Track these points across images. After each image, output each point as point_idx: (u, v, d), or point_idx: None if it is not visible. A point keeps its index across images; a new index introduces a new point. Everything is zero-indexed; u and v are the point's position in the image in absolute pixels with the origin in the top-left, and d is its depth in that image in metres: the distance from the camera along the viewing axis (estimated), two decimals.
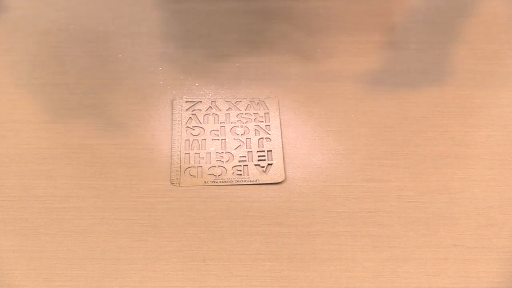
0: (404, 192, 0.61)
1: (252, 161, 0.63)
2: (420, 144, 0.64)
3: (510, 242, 0.58)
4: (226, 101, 0.67)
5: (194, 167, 0.62)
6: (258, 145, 0.64)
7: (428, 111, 0.67)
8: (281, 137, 0.64)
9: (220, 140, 0.64)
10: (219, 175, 0.62)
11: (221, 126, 0.65)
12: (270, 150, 0.63)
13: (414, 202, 0.60)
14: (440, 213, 0.59)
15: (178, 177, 0.61)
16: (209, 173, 0.62)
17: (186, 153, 0.63)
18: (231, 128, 0.65)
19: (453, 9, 0.76)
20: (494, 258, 0.57)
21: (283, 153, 0.63)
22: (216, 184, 0.61)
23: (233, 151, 0.63)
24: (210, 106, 0.67)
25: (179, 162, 0.62)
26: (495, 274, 0.56)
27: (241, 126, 0.65)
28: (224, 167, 0.62)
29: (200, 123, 0.66)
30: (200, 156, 0.63)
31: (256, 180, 0.61)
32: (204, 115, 0.66)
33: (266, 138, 0.64)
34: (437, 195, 0.60)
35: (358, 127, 0.65)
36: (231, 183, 0.61)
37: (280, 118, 0.66)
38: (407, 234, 0.58)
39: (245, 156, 0.63)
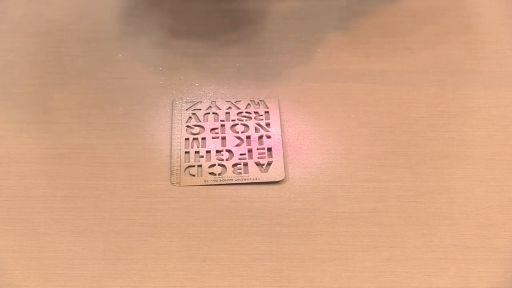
0: (404, 192, 0.61)
1: (252, 159, 0.63)
2: (420, 144, 0.64)
3: (510, 242, 0.58)
4: (226, 101, 0.67)
5: (194, 166, 0.62)
6: (258, 142, 0.64)
7: (428, 111, 0.67)
8: (281, 136, 0.64)
9: (220, 138, 0.64)
10: (219, 174, 0.62)
11: (221, 125, 0.65)
12: (270, 148, 0.63)
13: (414, 202, 0.60)
14: (440, 213, 0.59)
15: (178, 176, 0.61)
16: (209, 172, 0.62)
17: (186, 152, 0.63)
18: (231, 126, 0.65)
19: (453, 9, 0.76)
20: (494, 258, 0.57)
21: (283, 152, 0.63)
22: (216, 183, 0.61)
23: (233, 149, 0.63)
24: (210, 106, 0.67)
25: (179, 161, 0.63)
26: (495, 274, 0.56)
27: (241, 124, 0.65)
28: (224, 166, 0.62)
29: (200, 122, 0.66)
30: (200, 155, 0.63)
31: (256, 179, 0.61)
32: (204, 114, 0.66)
33: (266, 135, 0.64)
34: (437, 195, 0.60)
35: (358, 127, 0.65)
36: (231, 182, 0.61)
37: (280, 117, 0.66)
38: (407, 234, 0.58)
39: (245, 154, 0.63)
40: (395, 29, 0.74)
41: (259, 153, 0.63)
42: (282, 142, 0.64)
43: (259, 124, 0.65)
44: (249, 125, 0.65)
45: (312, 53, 0.72)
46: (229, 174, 0.62)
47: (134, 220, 0.59)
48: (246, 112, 0.66)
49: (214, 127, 0.65)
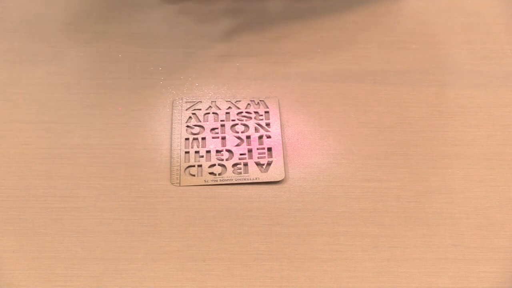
0: (404, 192, 0.61)
1: (252, 159, 0.63)
2: (420, 144, 0.64)
3: (510, 242, 0.58)
4: (226, 101, 0.68)
5: (194, 166, 0.62)
6: (258, 142, 0.64)
7: (428, 111, 0.67)
8: (281, 136, 0.64)
9: (220, 138, 0.64)
10: (219, 174, 0.62)
11: (221, 125, 0.65)
12: (270, 148, 0.63)
13: (414, 202, 0.60)
14: (440, 213, 0.59)
15: (178, 176, 0.62)
16: (209, 171, 0.62)
17: (186, 152, 0.63)
18: (231, 126, 0.65)
19: (453, 9, 0.76)
20: (494, 258, 0.57)
21: (283, 152, 0.63)
22: (216, 183, 0.61)
23: (233, 149, 0.63)
24: (210, 106, 0.67)
25: (179, 161, 0.63)
26: (495, 274, 0.56)
27: (241, 124, 0.65)
28: (224, 166, 0.62)
29: (200, 122, 0.66)
30: (200, 155, 0.63)
31: (256, 179, 0.61)
32: (204, 114, 0.66)
33: (266, 135, 0.64)
34: (437, 195, 0.60)
35: (358, 127, 0.65)
36: (231, 182, 0.61)
37: (280, 117, 0.66)
38: (407, 234, 0.58)
39: (245, 154, 0.63)
40: (395, 29, 0.74)
41: (259, 153, 0.63)
42: (282, 142, 0.64)
43: (259, 124, 0.65)
44: (249, 125, 0.65)
45: (312, 53, 0.72)
46: (229, 174, 0.62)
47: (134, 220, 0.59)
48: (246, 112, 0.66)
49: (214, 127, 0.65)
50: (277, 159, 0.63)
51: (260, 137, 0.65)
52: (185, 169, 0.62)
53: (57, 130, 0.65)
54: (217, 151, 0.63)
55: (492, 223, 0.58)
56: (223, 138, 0.65)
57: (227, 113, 0.66)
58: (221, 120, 0.66)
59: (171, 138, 0.64)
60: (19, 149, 0.63)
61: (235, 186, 0.61)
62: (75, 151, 0.63)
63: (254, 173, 0.62)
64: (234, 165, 0.62)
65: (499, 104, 0.67)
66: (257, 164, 0.62)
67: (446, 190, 0.61)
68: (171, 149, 0.63)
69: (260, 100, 0.68)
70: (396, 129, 0.65)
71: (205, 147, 0.64)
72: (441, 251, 0.57)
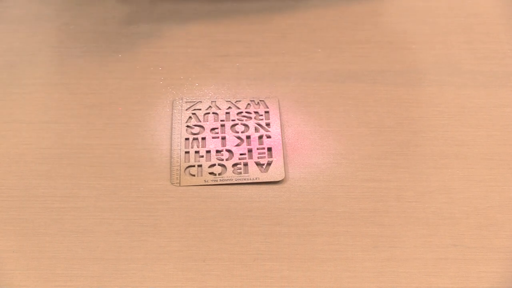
0: (404, 192, 0.61)
1: (252, 159, 0.63)
2: (420, 144, 0.64)
3: (510, 242, 0.58)
4: (226, 101, 0.68)
5: (194, 166, 0.62)
6: (258, 142, 0.64)
7: (428, 111, 0.67)
8: (281, 136, 0.64)
9: (220, 138, 0.64)
10: (219, 174, 0.62)
11: (221, 125, 0.65)
12: (270, 148, 0.64)
13: (414, 202, 0.60)
14: (440, 213, 0.59)
15: (178, 176, 0.62)
16: (209, 171, 0.62)
17: (186, 152, 0.63)
18: (231, 126, 0.65)
19: (453, 9, 0.76)
20: (494, 258, 0.57)
21: (283, 152, 0.63)
22: (216, 183, 0.61)
23: (233, 149, 0.63)
24: (210, 106, 0.67)
25: (179, 161, 0.63)
26: (495, 274, 0.56)
27: (241, 124, 0.65)
28: (224, 166, 0.62)
29: (200, 122, 0.66)
30: (200, 155, 0.63)
31: (256, 178, 0.61)
32: (204, 114, 0.66)
33: (266, 135, 0.64)
34: (437, 195, 0.60)
35: (358, 127, 0.65)
36: (231, 182, 0.61)
37: (280, 117, 0.66)
38: (407, 234, 0.58)
39: (245, 154, 0.63)
40: (395, 29, 0.74)
41: (259, 153, 0.63)
42: (282, 142, 0.64)
43: (259, 124, 0.65)
44: (249, 125, 0.65)
45: (312, 53, 0.72)
46: (229, 174, 0.62)
47: (134, 220, 0.59)
48: (246, 112, 0.66)
49: (214, 127, 0.65)
50: (277, 159, 0.63)
51: (260, 137, 0.65)
52: (185, 169, 0.62)
53: (57, 130, 0.65)
54: (217, 151, 0.63)
55: (492, 223, 0.58)
56: (223, 138, 0.65)
57: (227, 113, 0.66)
58: (221, 120, 0.66)
59: (171, 138, 0.64)
60: (19, 149, 0.63)
61: (235, 186, 0.61)
62: (75, 151, 0.63)
63: (254, 173, 0.62)
64: (234, 165, 0.62)
65: (499, 104, 0.67)
66: (257, 164, 0.62)
67: (446, 190, 0.61)
68: (171, 149, 0.64)
69: (260, 100, 0.68)
70: (396, 129, 0.65)
71: (205, 147, 0.64)
72: (441, 251, 0.57)
